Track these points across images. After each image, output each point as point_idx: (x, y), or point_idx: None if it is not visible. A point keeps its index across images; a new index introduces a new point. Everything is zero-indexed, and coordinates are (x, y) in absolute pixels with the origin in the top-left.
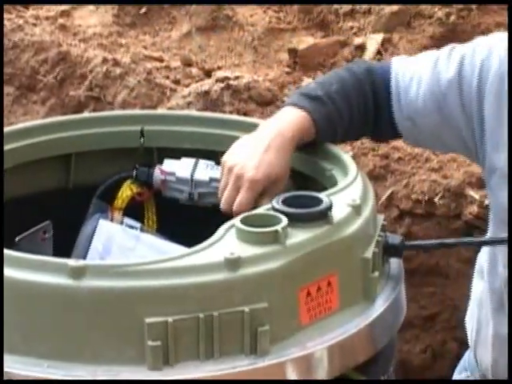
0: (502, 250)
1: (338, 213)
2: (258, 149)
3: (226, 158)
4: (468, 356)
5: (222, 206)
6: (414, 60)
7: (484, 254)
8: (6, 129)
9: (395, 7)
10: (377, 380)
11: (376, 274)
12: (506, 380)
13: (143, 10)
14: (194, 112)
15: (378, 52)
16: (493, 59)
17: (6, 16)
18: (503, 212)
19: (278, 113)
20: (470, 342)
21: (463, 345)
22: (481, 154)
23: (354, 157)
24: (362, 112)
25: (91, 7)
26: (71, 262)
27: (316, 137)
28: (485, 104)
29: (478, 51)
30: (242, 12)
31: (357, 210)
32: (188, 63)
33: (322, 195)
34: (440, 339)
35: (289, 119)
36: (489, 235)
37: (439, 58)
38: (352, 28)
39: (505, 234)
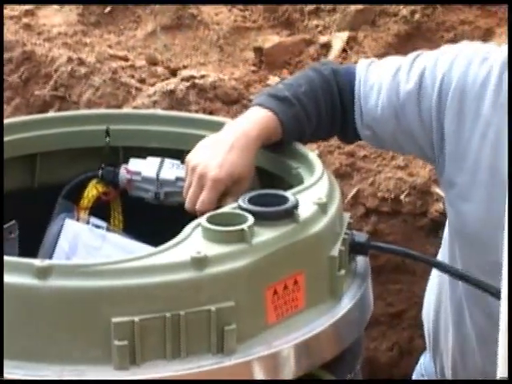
0: (465, 262)
1: (304, 211)
2: (221, 148)
3: (190, 158)
4: (424, 360)
5: (187, 205)
6: (377, 65)
7: (443, 259)
8: None
9: (360, 5)
10: (347, 380)
11: (342, 272)
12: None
13: (108, 9)
14: (159, 111)
15: (344, 50)
16: (453, 73)
17: None
18: (461, 226)
19: (245, 113)
20: (428, 346)
21: None
22: (440, 164)
23: (320, 155)
24: (329, 112)
25: (56, 6)
26: (37, 261)
27: (283, 137)
28: (445, 120)
29: (439, 63)
30: (207, 11)
31: (323, 208)
32: (153, 62)
33: (288, 194)
34: (407, 336)
35: (254, 119)
36: (444, 243)
37: (401, 66)
38: (317, 26)
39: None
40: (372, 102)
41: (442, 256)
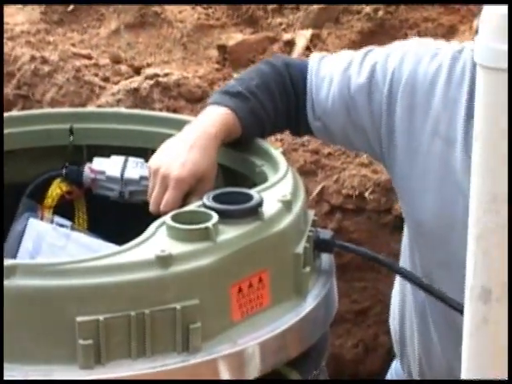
0: (423, 257)
1: (269, 209)
2: (182, 149)
3: (152, 162)
4: (395, 365)
5: (151, 207)
6: (330, 59)
7: (404, 264)
8: None
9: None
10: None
11: (307, 269)
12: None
13: (71, 7)
14: (123, 109)
15: (307, 48)
16: (404, 67)
17: None
18: (416, 223)
19: (202, 113)
20: (396, 351)
21: None
22: (388, 161)
23: (285, 152)
24: (284, 103)
25: (18, 5)
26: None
27: (243, 132)
28: (396, 114)
29: (390, 59)
30: (171, 9)
31: (287, 205)
32: (117, 60)
33: (253, 191)
34: (372, 333)
35: (212, 117)
36: (404, 247)
37: (353, 60)
38: (281, 24)
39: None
40: (323, 94)
41: (403, 259)
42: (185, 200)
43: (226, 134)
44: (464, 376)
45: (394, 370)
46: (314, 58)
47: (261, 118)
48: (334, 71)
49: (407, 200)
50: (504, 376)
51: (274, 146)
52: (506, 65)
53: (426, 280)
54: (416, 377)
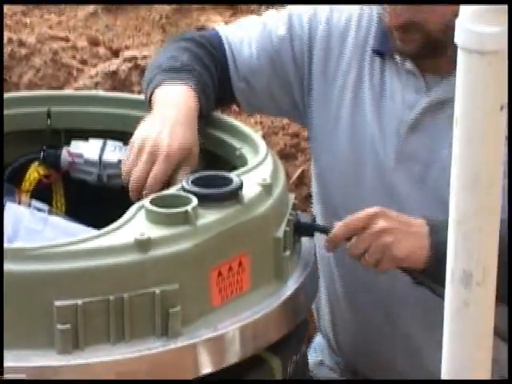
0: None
1: (249, 192)
2: (166, 123)
3: (134, 138)
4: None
5: (132, 183)
6: (239, 24)
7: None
8: None
9: None
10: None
11: (287, 253)
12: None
13: None
14: (101, 92)
15: None
16: (319, 16)
17: None
18: (330, 167)
19: (159, 95)
20: (315, 315)
21: None
22: (309, 111)
23: (264, 136)
24: (218, 72)
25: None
26: None
27: (198, 107)
28: (313, 60)
29: (303, 10)
30: None
31: (267, 189)
32: (95, 43)
33: (232, 175)
34: None
35: (180, 94)
36: (315, 194)
37: (266, 20)
38: (260, 6)
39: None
40: (245, 54)
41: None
42: (170, 178)
43: (197, 109)
44: (445, 361)
45: (317, 341)
46: (221, 26)
47: (205, 90)
48: (250, 32)
49: (322, 144)
50: (485, 363)
51: (253, 129)
52: (485, 47)
53: None
54: (333, 341)
